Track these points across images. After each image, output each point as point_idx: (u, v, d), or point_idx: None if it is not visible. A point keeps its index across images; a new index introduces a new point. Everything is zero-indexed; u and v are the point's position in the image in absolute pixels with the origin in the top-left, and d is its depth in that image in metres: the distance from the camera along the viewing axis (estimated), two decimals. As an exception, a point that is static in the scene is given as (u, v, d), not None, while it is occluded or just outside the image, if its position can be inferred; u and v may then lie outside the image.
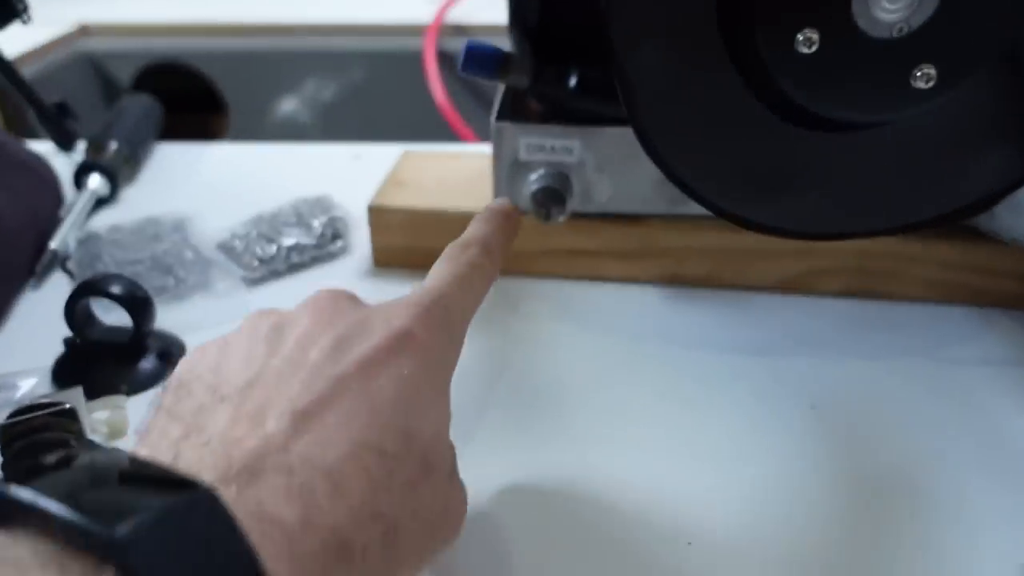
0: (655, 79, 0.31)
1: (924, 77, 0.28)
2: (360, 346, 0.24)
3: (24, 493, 0.17)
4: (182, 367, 0.25)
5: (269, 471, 0.20)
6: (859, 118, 0.30)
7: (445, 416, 0.26)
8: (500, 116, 0.45)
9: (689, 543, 0.31)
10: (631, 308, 0.46)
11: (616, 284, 0.48)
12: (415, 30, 1.02)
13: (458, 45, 1.02)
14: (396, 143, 0.67)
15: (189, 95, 1.04)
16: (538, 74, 0.43)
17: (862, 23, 0.28)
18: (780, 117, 0.31)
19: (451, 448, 0.26)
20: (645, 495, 0.34)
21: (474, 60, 0.42)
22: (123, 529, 0.16)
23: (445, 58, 1.01)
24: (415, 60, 1.00)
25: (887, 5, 0.27)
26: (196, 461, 0.20)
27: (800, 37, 0.28)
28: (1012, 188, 0.33)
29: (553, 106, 0.45)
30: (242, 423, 0.21)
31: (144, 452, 0.21)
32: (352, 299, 0.28)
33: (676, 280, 0.48)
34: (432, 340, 0.25)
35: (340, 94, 1.07)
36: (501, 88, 0.48)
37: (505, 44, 0.45)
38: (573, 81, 0.44)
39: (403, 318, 0.25)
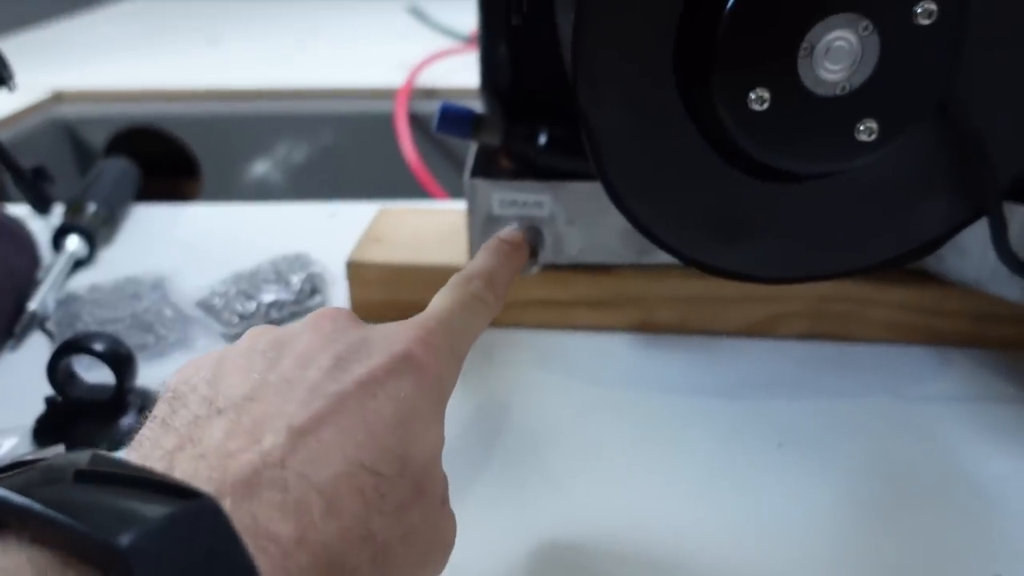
0: (620, 137, 0.33)
1: (867, 131, 0.31)
2: (359, 366, 0.24)
3: (16, 497, 0.16)
4: (177, 378, 0.25)
5: (265, 486, 0.20)
6: (809, 170, 0.33)
7: (439, 442, 0.26)
8: (474, 173, 0.47)
9: (667, 579, 0.32)
10: (604, 355, 0.48)
11: (589, 332, 0.50)
12: (386, 93, 1.05)
13: (428, 108, 1.05)
14: (371, 201, 0.69)
15: (162, 159, 1.05)
16: (509, 133, 0.45)
17: (808, 82, 0.30)
18: (738, 169, 0.34)
19: (443, 475, 0.26)
20: (623, 536, 0.35)
21: (448, 120, 0.45)
22: (126, 538, 0.15)
23: (416, 120, 1.04)
24: (386, 122, 1.03)
25: (830, 66, 0.30)
26: (191, 473, 0.20)
27: (752, 95, 0.30)
28: (955, 232, 0.35)
29: (524, 162, 0.48)
30: (239, 437, 0.21)
31: (135, 461, 0.21)
32: (353, 319, 0.28)
33: (646, 327, 0.50)
34: (431, 364, 0.26)
35: (312, 156, 1.09)
36: (474, 146, 0.50)
37: (475, 106, 0.48)
38: (543, 139, 0.46)
39: (404, 341, 0.26)
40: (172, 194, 1.09)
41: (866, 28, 0.29)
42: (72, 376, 0.41)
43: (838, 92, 0.30)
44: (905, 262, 0.36)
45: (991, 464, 0.39)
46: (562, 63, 0.38)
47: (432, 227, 0.54)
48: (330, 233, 0.62)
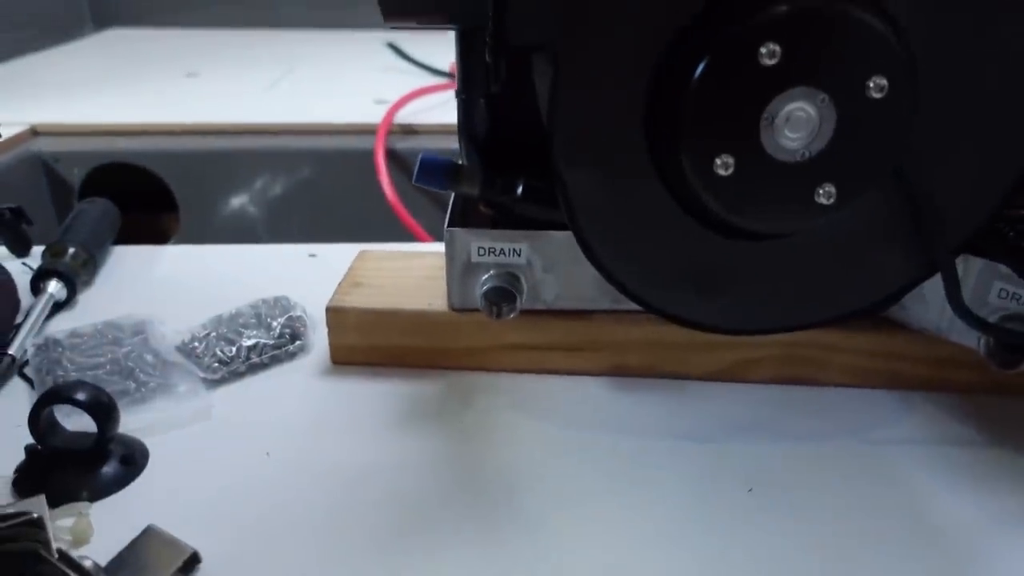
0: (593, 196, 0.35)
1: (826, 194, 0.33)
2: None
3: None
4: None
5: None
6: (772, 230, 0.34)
7: None
8: (452, 222, 0.48)
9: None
10: (579, 399, 0.49)
11: (564, 376, 0.51)
12: (365, 129, 1.06)
13: (407, 145, 1.07)
14: (350, 243, 0.70)
15: (140, 194, 1.06)
16: (487, 184, 0.47)
17: (770, 149, 0.32)
18: (706, 226, 0.35)
19: None
20: (598, 581, 0.36)
21: (426, 172, 0.46)
22: None
23: (395, 157, 1.05)
24: (365, 159, 1.04)
25: (790, 134, 0.32)
26: None
27: (718, 161, 0.32)
28: (912, 286, 0.37)
29: (502, 211, 0.49)
30: None
31: None
32: None
33: (620, 371, 0.51)
34: None
35: (291, 192, 1.10)
36: (453, 194, 0.51)
37: (453, 143, 0.49)
38: (520, 189, 0.47)
39: None
40: (150, 230, 1.10)
41: (823, 100, 0.31)
42: (54, 425, 0.42)
43: (798, 158, 0.32)
44: (865, 315, 0.38)
45: (948, 508, 0.40)
46: (539, 115, 0.40)
47: (411, 271, 0.55)
48: (310, 275, 0.63)
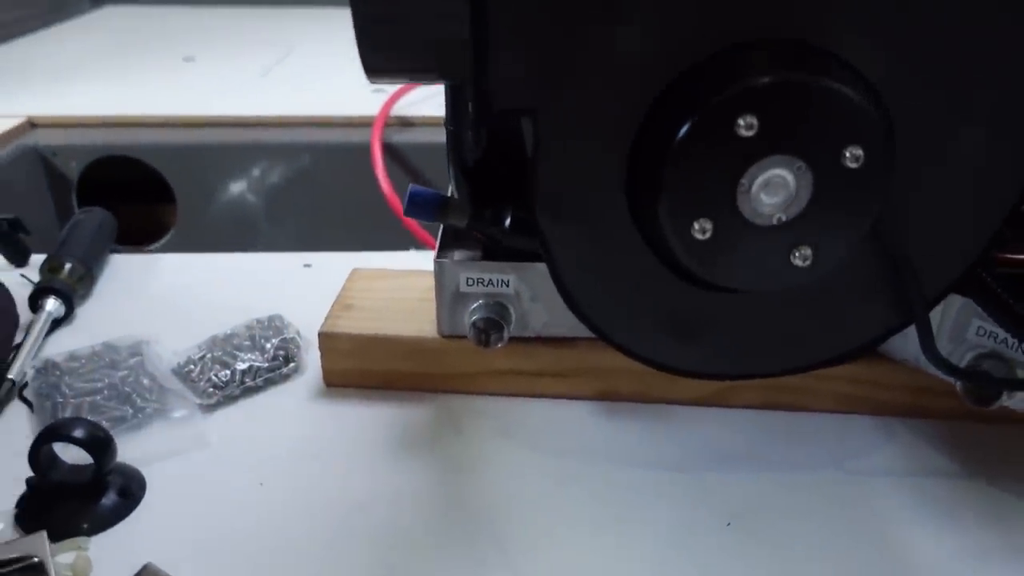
0: (575, 250, 0.35)
1: (802, 257, 0.33)
2: None
3: None
4: None
5: None
6: (749, 288, 0.35)
7: None
8: (441, 253, 0.49)
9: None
10: (566, 425, 0.50)
11: (552, 401, 0.52)
12: (361, 122, 1.06)
13: (404, 138, 1.07)
14: (346, 247, 0.71)
15: (137, 186, 1.06)
16: (475, 216, 0.47)
17: (747, 213, 0.33)
18: (685, 281, 0.36)
19: None
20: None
21: (416, 205, 0.47)
22: None
23: (392, 151, 1.05)
24: (362, 152, 1.04)
25: (767, 200, 0.32)
26: None
27: (696, 225, 0.33)
28: (888, 336, 0.38)
29: (491, 241, 0.49)
30: None
31: None
32: None
33: (607, 396, 0.52)
34: None
35: (288, 183, 1.10)
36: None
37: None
38: (508, 221, 0.48)
39: None
40: (149, 222, 1.11)
41: (800, 167, 0.32)
42: (53, 460, 0.43)
43: (774, 222, 0.33)
44: (842, 362, 0.39)
45: (923, 543, 0.42)
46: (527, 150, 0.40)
47: (403, 292, 0.56)
48: (305, 288, 0.64)
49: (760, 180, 0.32)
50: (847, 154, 0.31)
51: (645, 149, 0.32)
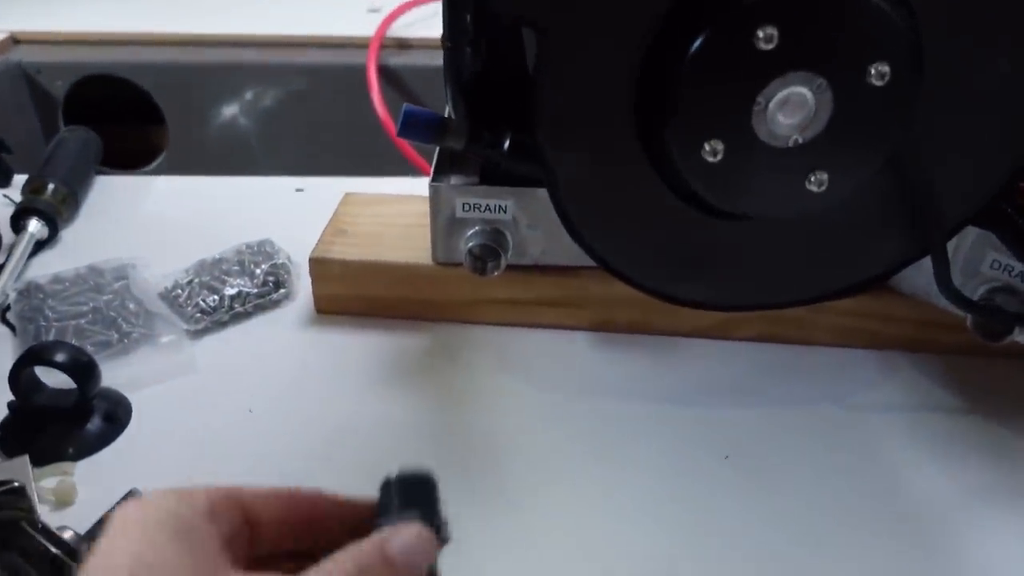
0: (579, 177, 0.33)
1: (817, 182, 0.31)
2: None
3: None
4: None
5: None
6: (761, 215, 0.33)
7: None
8: (436, 177, 0.47)
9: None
10: (564, 356, 0.49)
11: (550, 331, 0.51)
12: (357, 43, 1.02)
13: (401, 60, 1.03)
14: (341, 172, 0.69)
15: (126, 108, 1.03)
16: (472, 138, 0.45)
17: (762, 134, 0.31)
18: (694, 208, 0.34)
19: None
20: (571, 552, 0.36)
21: (410, 125, 0.44)
22: None
23: (388, 73, 1.01)
24: (357, 74, 1.00)
25: (783, 120, 0.30)
26: None
27: (707, 147, 0.31)
28: (902, 267, 0.36)
29: (490, 164, 0.47)
30: None
31: None
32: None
33: (606, 327, 0.51)
34: None
35: (281, 106, 1.06)
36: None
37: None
38: (507, 145, 0.45)
39: None
40: (140, 144, 1.07)
41: (820, 85, 0.30)
42: (35, 384, 0.42)
43: (790, 144, 0.31)
44: (852, 294, 0.37)
45: (922, 479, 0.41)
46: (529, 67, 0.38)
47: (396, 219, 0.54)
48: (296, 212, 0.61)
49: (777, 99, 0.30)
50: (873, 71, 0.29)
51: (656, 64, 0.30)
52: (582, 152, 0.33)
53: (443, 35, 0.46)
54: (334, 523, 0.26)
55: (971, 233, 0.43)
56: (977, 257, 0.43)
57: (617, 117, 0.32)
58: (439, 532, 0.25)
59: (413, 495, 0.25)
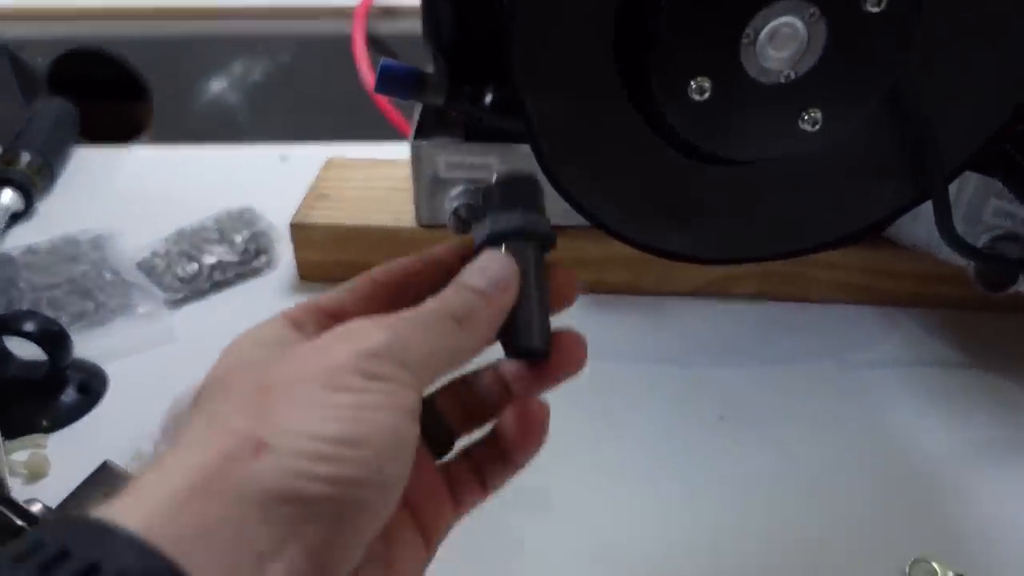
0: (559, 123, 0.32)
1: (811, 120, 0.30)
2: None
3: None
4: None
5: None
6: (751, 158, 0.32)
7: None
8: (418, 135, 0.45)
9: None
10: (553, 318, 0.47)
11: (539, 293, 0.49)
12: (342, 12, 1.00)
13: (389, 29, 1.01)
14: (323, 143, 0.67)
15: (110, 83, 1.01)
16: (453, 93, 0.43)
17: (751, 70, 0.29)
18: (681, 153, 0.32)
19: None
20: (562, 510, 0.35)
21: (388, 80, 0.43)
22: None
23: (374, 42, 0.99)
24: (344, 43, 0.98)
25: (774, 53, 0.28)
26: None
27: (693, 85, 0.29)
28: (899, 214, 0.35)
29: (472, 120, 0.46)
30: None
31: None
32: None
33: (599, 287, 0.49)
34: None
35: (268, 78, 1.04)
36: (419, 105, 0.48)
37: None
38: (489, 99, 0.44)
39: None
40: (124, 121, 1.05)
41: (813, 15, 0.28)
42: (5, 355, 0.40)
43: (781, 80, 0.29)
44: (848, 243, 0.35)
45: (922, 436, 0.40)
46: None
47: (379, 182, 0.52)
48: (279, 180, 0.60)
49: (767, 30, 0.28)
50: (868, -4, 0.27)
51: (636, -5, 0.28)
52: (562, 100, 0.31)
53: (420, -15, 0.44)
54: (433, 275, 0.27)
55: (972, 180, 0.41)
56: (979, 205, 0.41)
57: (596, 59, 0.30)
58: (538, 228, 0.27)
59: (515, 195, 0.26)
